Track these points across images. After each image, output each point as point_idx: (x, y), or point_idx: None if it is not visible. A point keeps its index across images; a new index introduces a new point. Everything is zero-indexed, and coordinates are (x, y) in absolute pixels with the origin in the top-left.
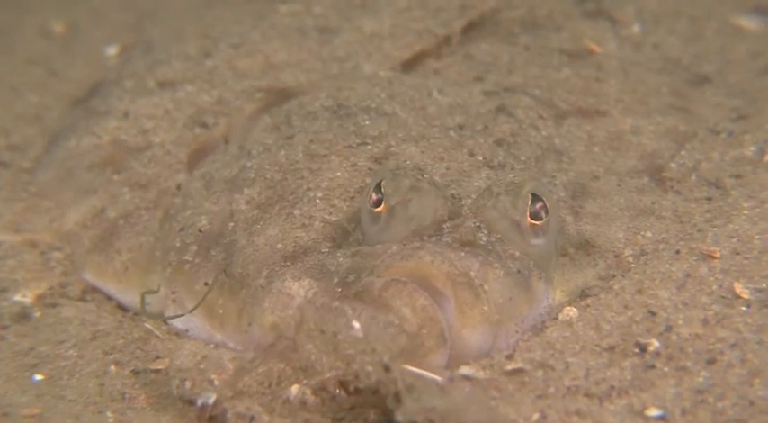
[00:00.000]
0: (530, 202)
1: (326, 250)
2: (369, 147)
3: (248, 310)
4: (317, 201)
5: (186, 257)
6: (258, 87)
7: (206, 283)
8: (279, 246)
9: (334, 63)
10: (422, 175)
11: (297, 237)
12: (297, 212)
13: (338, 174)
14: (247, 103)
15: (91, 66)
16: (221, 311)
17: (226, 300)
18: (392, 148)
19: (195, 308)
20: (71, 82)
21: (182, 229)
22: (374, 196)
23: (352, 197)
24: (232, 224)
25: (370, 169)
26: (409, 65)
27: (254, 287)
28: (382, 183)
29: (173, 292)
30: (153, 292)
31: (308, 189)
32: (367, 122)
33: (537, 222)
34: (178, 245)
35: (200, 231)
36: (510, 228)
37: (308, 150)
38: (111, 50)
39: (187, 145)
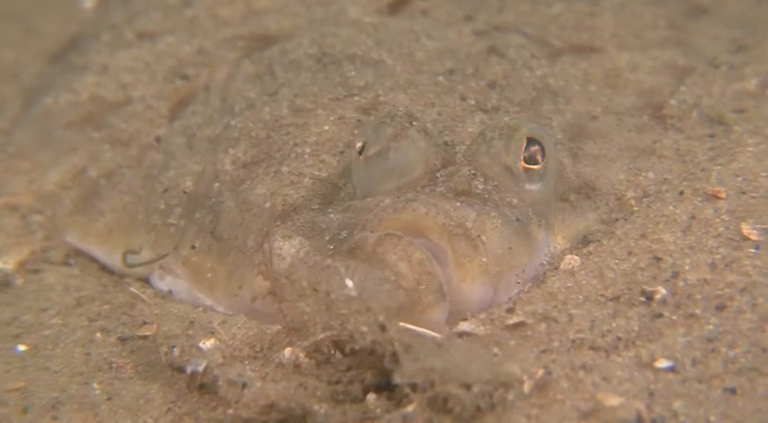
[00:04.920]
0: (524, 146)
1: (317, 207)
2: (356, 98)
3: (238, 273)
4: (306, 156)
5: (171, 220)
6: (240, 35)
7: (193, 246)
8: (267, 205)
9: (318, 7)
10: (411, 122)
11: (286, 195)
12: (285, 170)
13: (326, 128)
14: (229, 51)
15: (68, 19)
16: (210, 275)
17: (214, 263)
18: (380, 98)
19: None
20: (48, 37)
21: (165, 191)
22: (358, 144)
23: (342, 151)
24: (217, 185)
25: (358, 121)
26: (396, 6)
27: (244, 250)
28: (367, 130)
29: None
30: (134, 253)
31: (296, 145)
32: (353, 72)
33: (532, 166)
34: (162, 207)
35: (184, 193)
36: (503, 173)
37: (293, 105)
38: (88, 3)
39: (168, 98)
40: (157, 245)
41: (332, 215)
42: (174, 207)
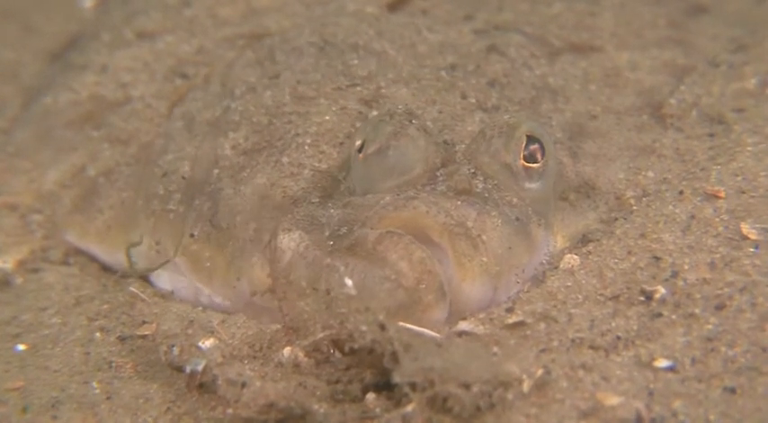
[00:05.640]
0: (524, 144)
1: (317, 200)
2: (358, 88)
3: (237, 265)
4: (306, 147)
5: (170, 206)
6: (240, 34)
7: (191, 235)
8: (267, 196)
9: (317, 6)
10: (411, 120)
11: (286, 186)
12: (285, 160)
13: (327, 118)
14: (229, 51)
15: (67, 19)
16: (208, 264)
17: (213, 252)
18: (382, 90)
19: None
20: (48, 36)
21: (164, 175)
22: (357, 142)
23: (342, 143)
24: (217, 171)
25: (360, 112)
26: (395, 5)
27: (243, 240)
28: (366, 128)
29: (156, 243)
30: (136, 245)
31: (297, 134)
32: (355, 61)
33: (532, 165)
34: (161, 192)
35: (183, 178)
36: (502, 171)
37: (295, 92)
38: (88, 2)
39: (168, 97)
40: (156, 231)
41: (332, 210)
42: (172, 193)
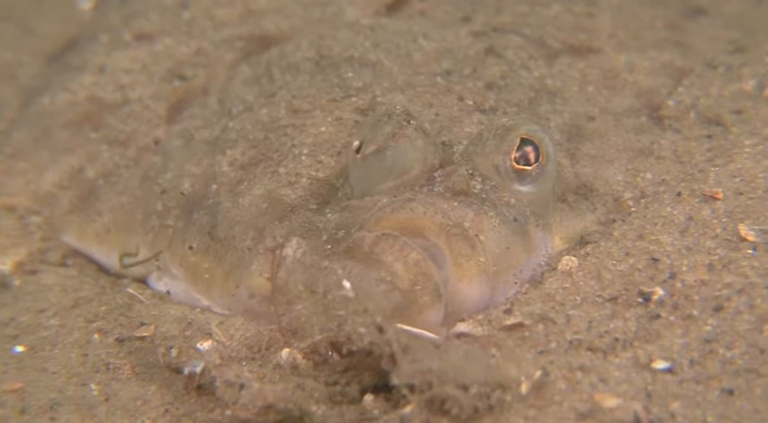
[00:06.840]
0: (516, 146)
1: (314, 207)
2: (353, 99)
3: (236, 273)
4: (303, 157)
5: (169, 222)
6: (238, 36)
7: (190, 247)
8: (265, 205)
9: (315, 8)
10: (409, 121)
11: (283, 195)
12: (282, 170)
13: (323, 129)
14: (227, 52)
15: (65, 20)
16: (207, 276)
17: (211, 264)
18: (378, 99)
19: None
20: (46, 38)
21: (163, 192)
22: (355, 143)
23: (339, 152)
24: (215, 186)
25: (356, 122)
26: (394, 6)
27: (241, 249)
28: (364, 129)
29: (156, 258)
30: (131, 255)
31: (293, 146)
32: (350, 74)
33: (525, 167)
34: (160, 208)
35: (182, 194)
36: (493, 172)
37: (290, 106)
38: (86, 4)
39: (166, 99)
40: (155, 246)
41: (329, 215)
42: (171, 208)
